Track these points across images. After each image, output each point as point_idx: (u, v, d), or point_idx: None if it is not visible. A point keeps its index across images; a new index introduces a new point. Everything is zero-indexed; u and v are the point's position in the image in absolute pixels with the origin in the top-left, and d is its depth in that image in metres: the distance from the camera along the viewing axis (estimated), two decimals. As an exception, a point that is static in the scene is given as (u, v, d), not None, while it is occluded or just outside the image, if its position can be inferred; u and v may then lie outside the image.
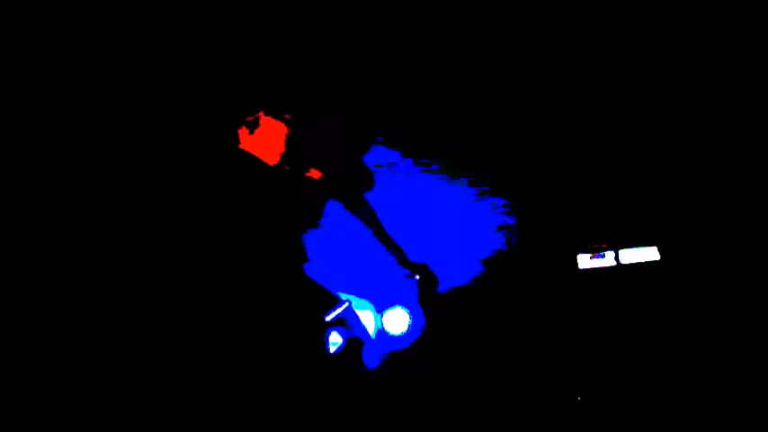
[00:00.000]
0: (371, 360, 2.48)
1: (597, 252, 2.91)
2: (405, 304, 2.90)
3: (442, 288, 2.97)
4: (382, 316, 2.84)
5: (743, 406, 2.54)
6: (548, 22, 3.04)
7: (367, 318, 2.76)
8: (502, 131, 3.24)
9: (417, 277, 2.84)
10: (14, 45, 1.85)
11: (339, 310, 2.52)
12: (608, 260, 2.89)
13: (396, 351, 2.81)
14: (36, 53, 1.87)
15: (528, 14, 3.04)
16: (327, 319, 2.47)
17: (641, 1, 2.99)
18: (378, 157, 2.45)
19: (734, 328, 2.67)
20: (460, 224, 3.20)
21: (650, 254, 2.86)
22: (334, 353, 2.39)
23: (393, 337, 2.84)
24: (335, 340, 2.58)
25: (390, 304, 2.87)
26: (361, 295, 2.62)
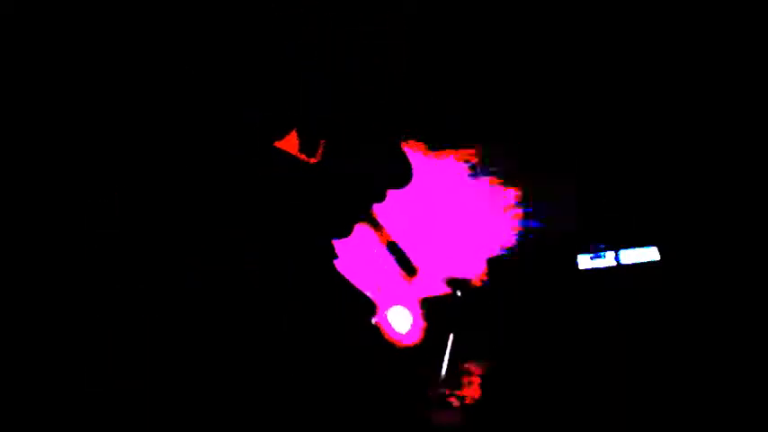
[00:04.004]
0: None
1: (597, 252, 2.91)
2: (405, 303, 2.90)
3: (441, 288, 2.98)
4: (385, 315, 2.84)
5: (743, 406, 2.54)
6: (546, 23, 3.04)
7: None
8: (502, 131, 3.24)
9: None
10: (14, 45, 1.85)
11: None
12: (608, 260, 2.89)
13: (398, 350, 2.81)
14: (36, 53, 1.86)
15: (528, 15, 3.05)
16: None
17: (641, 1, 2.99)
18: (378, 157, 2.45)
19: (734, 328, 2.67)
20: (460, 224, 3.20)
21: (650, 254, 2.86)
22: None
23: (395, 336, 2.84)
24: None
25: (391, 303, 2.88)
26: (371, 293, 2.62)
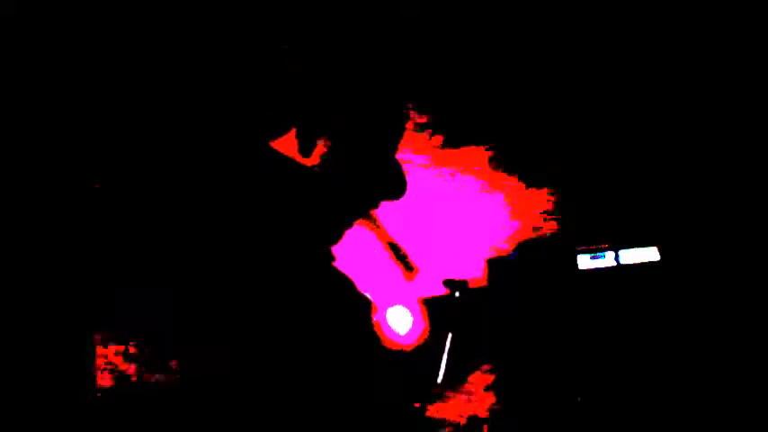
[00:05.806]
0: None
1: (597, 252, 2.91)
2: (405, 304, 2.91)
3: (441, 288, 2.98)
4: (384, 315, 2.84)
5: (743, 406, 2.54)
6: (546, 24, 3.04)
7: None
8: (501, 131, 3.25)
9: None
10: (15, 46, 1.86)
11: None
12: (608, 260, 2.89)
13: (398, 351, 2.81)
14: (37, 54, 1.87)
15: (528, 17, 3.05)
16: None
17: (641, 1, 2.99)
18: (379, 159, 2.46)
19: (734, 328, 2.67)
20: (460, 224, 3.20)
21: (650, 254, 2.86)
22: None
23: (394, 337, 2.85)
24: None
25: (391, 303, 2.88)
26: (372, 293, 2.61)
